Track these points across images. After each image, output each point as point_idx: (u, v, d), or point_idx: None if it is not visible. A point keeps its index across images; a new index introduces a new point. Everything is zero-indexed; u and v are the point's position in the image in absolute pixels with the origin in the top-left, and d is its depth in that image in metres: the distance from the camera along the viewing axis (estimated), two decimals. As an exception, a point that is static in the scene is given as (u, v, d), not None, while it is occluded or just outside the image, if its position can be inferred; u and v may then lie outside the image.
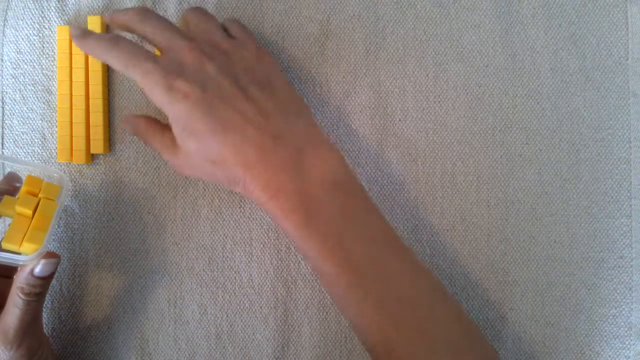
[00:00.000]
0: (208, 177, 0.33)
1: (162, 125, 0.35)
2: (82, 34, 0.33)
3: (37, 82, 0.39)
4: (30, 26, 0.39)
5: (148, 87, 0.31)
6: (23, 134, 0.39)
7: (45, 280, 0.32)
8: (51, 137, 0.39)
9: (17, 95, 0.39)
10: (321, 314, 0.38)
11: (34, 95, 0.39)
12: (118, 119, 0.39)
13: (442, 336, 0.31)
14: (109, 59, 0.32)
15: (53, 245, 0.38)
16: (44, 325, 0.37)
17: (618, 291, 0.38)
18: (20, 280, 0.31)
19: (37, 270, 0.31)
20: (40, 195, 0.33)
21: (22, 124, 0.39)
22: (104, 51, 0.32)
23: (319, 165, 0.31)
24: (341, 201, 0.31)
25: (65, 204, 0.39)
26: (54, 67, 0.39)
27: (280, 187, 0.30)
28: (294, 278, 0.38)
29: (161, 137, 0.34)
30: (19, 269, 0.32)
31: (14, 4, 0.39)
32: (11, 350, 0.32)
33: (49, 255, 0.32)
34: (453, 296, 0.33)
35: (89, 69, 0.38)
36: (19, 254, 0.31)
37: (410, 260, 0.32)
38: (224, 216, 0.38)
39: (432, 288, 0.32)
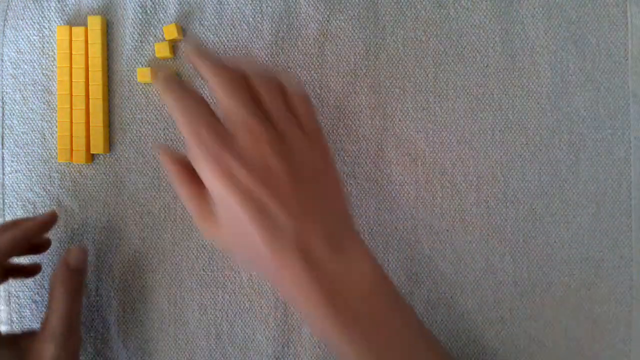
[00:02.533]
0: (236, 253, 0.32)
1: (195, 179, 0.30)
2: (163, 77, 0.31)
3: (37, 82, 0.39)
4: (30, 26, 0.39)
5: (197, 157, 0.29)
6: (23, 134, 0.39)
7: (79, 272, 0.35)
8: (51, 137, 0.39)
9: (17, 95, 0.39)
10: (321, 314, 0.38)
11: (34, 95, 0.39)
12: (118, 119, 0.39)
13: None
14: (171, 111, 0.30)
15: (53, 245, 0.38)
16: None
17: (618, 291, 0.38)
18: (59, 276, 0.34)
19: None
20: None
21: (22, 124, 0.39)
22: (168, 94, 0.30)
23: (357, 274, 0.29)
24: (379, 311, 0.29)
25: (65, 204, 0.39)
26: (54, 67, 0.39)
27: (321, 294, 0.28)
28: (294, 278, 0.38)
29: (192, 195, 0.30)
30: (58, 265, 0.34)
31: (14, 4, 0.39)
32: (62, 349, 0.33)
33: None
34: None
35: (89, 69, 0.38)
36: None
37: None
38: (224, 216, 0.38)
39: None
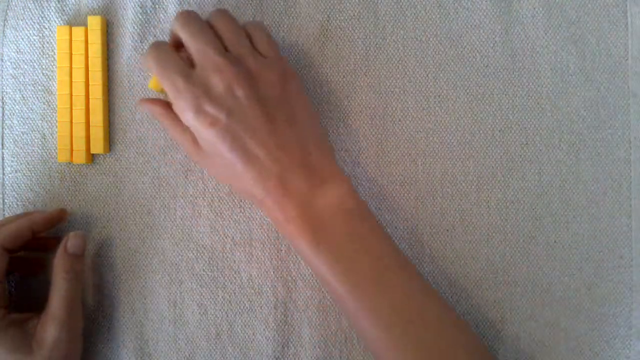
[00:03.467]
0: (226, 182, 0.36)
1: (179, 118, 0.34)
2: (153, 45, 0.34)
3: (37, 82, 0.39)
4: (30, 26, 0.39)
5: (177, 105, 0.32)
6: (23, 134, 0.39)
7: (78, 258, 0.35)
8: (51, 137, 0.39)
9: (17, 95, 0.39)
10: (321, 314, 0.38)
11: (34, 95, 0.39)
12: (118, 119, 0.39)
13: (445, 355, 0.32)
14: (148, 63, 0.33)
15: (53, 245, 0.38)
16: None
17: (618, 291, 0.38)
18: (59, 260, 0.35)
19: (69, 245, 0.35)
20: None
21: (22, 124, 0.39)
22: (148, 55, 0.33)
23: (328, 195, 0.33)
24: (347, 227, 0.32)
25: (65, 203, 0.39)
26: (54, 67, 0.39)
27: (295, 213, 0.32)
28: (294, 278, 0.38)
29: (182, 132, 0.34)
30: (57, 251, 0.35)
31: (14, 4, 0.39)
32: (62, 331, 0.33)
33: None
34: (460, 318, 0.34)
35: (89, 69, 0.38)
36: None
37: (416, 282, 0.33)
38: (224, 216, 0.38)
39: (439, 309, 0.33)
